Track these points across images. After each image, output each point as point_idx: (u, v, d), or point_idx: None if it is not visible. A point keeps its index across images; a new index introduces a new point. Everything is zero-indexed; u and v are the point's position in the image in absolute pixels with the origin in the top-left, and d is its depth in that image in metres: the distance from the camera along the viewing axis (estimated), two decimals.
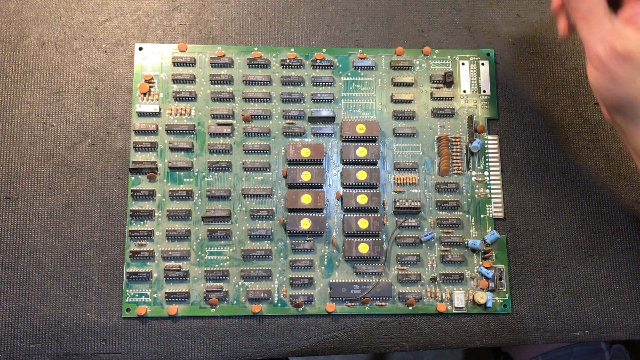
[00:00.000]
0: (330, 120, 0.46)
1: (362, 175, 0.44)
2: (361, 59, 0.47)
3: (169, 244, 0.44)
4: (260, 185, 0.45)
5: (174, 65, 0.46)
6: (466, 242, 0.45)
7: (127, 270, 0.43)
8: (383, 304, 0.44)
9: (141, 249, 0.43)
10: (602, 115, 0.45)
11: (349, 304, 0.43)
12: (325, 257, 0.44)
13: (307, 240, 0.44)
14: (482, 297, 0.44)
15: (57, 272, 0.43)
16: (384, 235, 0.45)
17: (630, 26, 0.35)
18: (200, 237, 0.44)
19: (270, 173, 0.45)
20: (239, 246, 0.44)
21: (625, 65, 0.34)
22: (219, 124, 0.46)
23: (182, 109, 0.46)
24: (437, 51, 0.48)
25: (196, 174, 0.45)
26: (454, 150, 0.46)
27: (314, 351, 0.43)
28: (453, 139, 0.46)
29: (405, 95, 0.47)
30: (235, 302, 0.43)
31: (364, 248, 0.43)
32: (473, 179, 0.46)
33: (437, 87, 0.47)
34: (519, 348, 0.64)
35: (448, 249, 0.45)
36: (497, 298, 0.44)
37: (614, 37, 0.35)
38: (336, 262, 0.44)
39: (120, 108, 0.46)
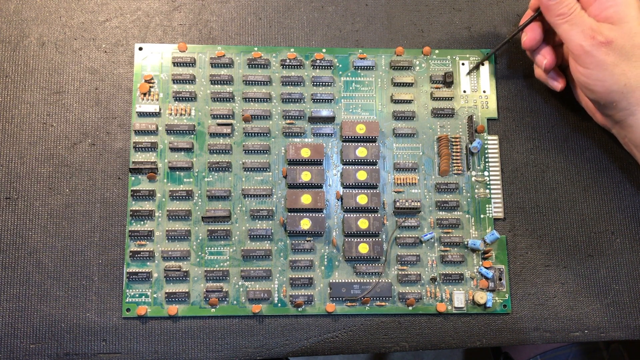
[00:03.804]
0: (330, 120, 0.46)
1: (362, 175, 0.44)
2: (361, 59, 0.47)
3: (169, 244, 0.44)
4: (260, 185, 0.45)
5: (174, 65, 0.46)
6: (466, 242, 0.45)
7: (127, 270, 0.43)
8: (383, 304, 0.44)
9: (141, 249, 0.43)
10: (597, 123, 0.45)
11: (349, 304, 0.43)
12: (325, 257, 0.44)
13: (307, 240, 0.44)
14: (482, 297, 0.44)
15: (57, 272, 0.43)
16: (384, 235, 0.45)
17: (603, 23, 0.39)
18: (200, 237, 0.44)
19: (270, 173, 0.45)
20: (239, 246, 0.44)
21: (609, 52, 0.38)
22: (219, 124, 0.46)
23: (182, 109, 0.46)
24: (437, 51, 0.48)
25: (196, 174, 0.45)
26: (454, 150, 0.46)
27: (314, 351, 0.43)
28: (453, 139, 0.46)
29: (405, 95, 0.47)
30: (235, 302, 0.43)
31: (364, 248, 0.43)
32: (473, 179, 0.46)
33: (437, 87, 0.47)
34: (519, 348, 0.64)
35: (448, 249, 0.45)
36: (496, 298, 0.44)
37: (594, 31, 0.39)
38: (336, 262, 0.44)
39: (120, 108, 0.46)
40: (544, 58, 0.44)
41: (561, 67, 0.46)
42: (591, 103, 0.44)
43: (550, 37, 0.44)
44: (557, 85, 0.45)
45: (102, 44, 0.47)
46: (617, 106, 0.40)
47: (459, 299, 0.44)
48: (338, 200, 0.45)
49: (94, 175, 0.45)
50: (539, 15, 0.43)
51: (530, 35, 0.43)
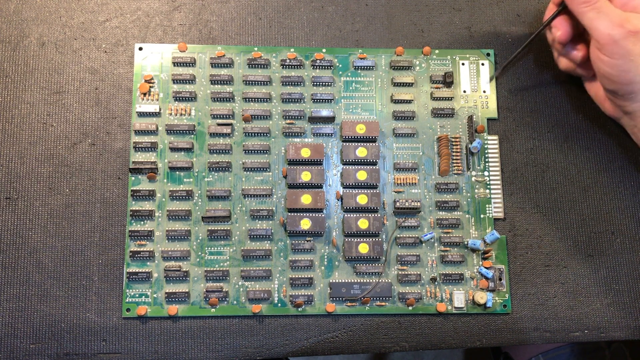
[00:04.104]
0: (330, 120, 0.46)
1: (362, 175, 0.44)
2: (361, 59, 0.47)
3: (169, 244, 0.44)
4: (260, 185, 0.45)
5: (174, 65, 0.46)
6: (466, 242, 0.45)
7: (127, 270, 0.43)
8: (383, 304, 0.44)
9: (141, 249, 0.43)
10: (605, 113, 0.45)
11: (349, 304, 0.43)
12: (325, 257, 0.44)
13: (307, 240, 0.44)
14: (482, 297, 0.44)
15: (57, 272, 0.43)
16: (384, 235, 0.45)
17: (631, 13, 0.38)
18: (200, 237, 0.44)
19: (270, 173, 0.45)
20: (239, 246, 0.44)
21: (637, 42, 0.38)
22: (219, 124, 0.46)
23: (182, 109, 0.46)
24: (437, 51, 0.48)
25: (196, 174, 0.45)
26: (454, 150, 0.46)
27: (314, 351, 0.43)
28: (453, 139, 0.46)
29: (405, 95, 0.47)
30: (235, 302, 0.43)
31: (364, 248, 0.43)
32: (473, 179, 0.46)
33: (437, 87, 0.47)
34: (519, 348, 0.64)
35: (448, 249, 0.45)
36: (497, 298, 0.44)
37: (623, 19, 0.38)
38: (336, 262, 0.44)
39: (120, 108, 0.46)
40: (580, 52, 0.43)
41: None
42: (602, 92, 0.43)
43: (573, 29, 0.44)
44: (587, 73, 0.45)
45: (102, 44, 0.47)
46: (635, 97, 0.39)
47: (459, 299, 0.44)
48: (338, 200, 0.45)
49: (94, 175, 0.45)
50: (563, 9, 0.42)
51: (563, 30, 0.43)
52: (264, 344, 0.43)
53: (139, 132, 0.45)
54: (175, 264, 0.43)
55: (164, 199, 0.44)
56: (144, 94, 0.46)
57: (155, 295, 0.43)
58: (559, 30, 0.43)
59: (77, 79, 0.46)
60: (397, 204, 0.44)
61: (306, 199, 0.44)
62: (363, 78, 0.47)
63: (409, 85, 0.47)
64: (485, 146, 0.47)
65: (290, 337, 0.43)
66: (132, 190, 0.44)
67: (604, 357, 0.58)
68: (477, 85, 0.48)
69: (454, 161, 0.46)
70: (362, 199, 0.44)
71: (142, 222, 0.44)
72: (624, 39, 0.38)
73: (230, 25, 0.48)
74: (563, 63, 0.46)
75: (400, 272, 0.44)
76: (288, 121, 0.46)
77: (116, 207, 0.44)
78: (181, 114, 0.46)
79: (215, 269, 0.43)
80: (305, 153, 0.44)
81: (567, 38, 0.43)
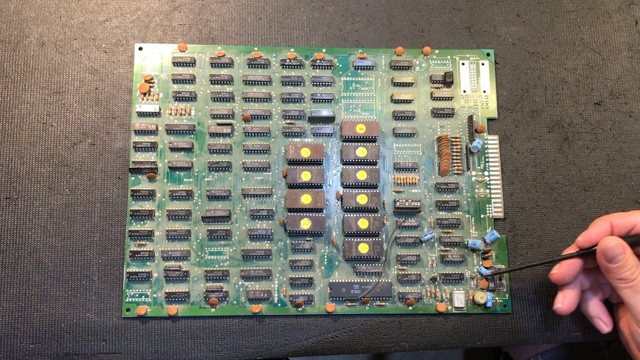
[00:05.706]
0: (330, 120, 0.46)
1: (362, 175, 0.44)
2: (361, 59, 0.47)
3: (169, 244, 0.44)
4: (260, 185, 0.45)
5: (174, 65, 0.46)
6: (466, 242, 0.45)
7: (127, 270, 0.43)
8: (383, 304, 0.44)
9: (141, 249, 0.43)
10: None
11: (349, 304, 0.43)
12: (325, 257, 0.44)
13: (307, 240, 0.44)
14: (482, 297, 0.44)
15: (57, 272, 0.43)
16: (384, 235, 0.45)
17: None
18: (200, 237, 0.44)
19: (270, 173, 0.45)
20: (239, 246, 0.44)
21: None
22: (219, 124, 0.46)
23: (182, 109, 0.46)
24: (437, 51, 0.48)
25: (196, 174, 0.45)
26: (454, 150, 0.46)
27: (314, 351, 0.43)
28: (453, 139, 0.46)
29: (405, 95, 0.47)
30: (235, 302, 0.43)
31: (364, 248, 0.43)
32: (473, 179, 0.46)
33: (437, 87, 0.47)
34: (519, 348, 0.64)
35: (448, 249, 0.45)
36: (497, 298, 0.44)
37: None
38: (336, 262, 0.44)
39: (120, 108, 0.46)
40: (559, 301, 0.40)
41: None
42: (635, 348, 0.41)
43: (591, 274, 0.41)
44: (604, 328, 0.41)
45: (102, 44, 0.47)
46: None
47: (459, 299, 0.44)
48: (338, 200, 0.45)
49: (94, 175, 0.45)
50: (584, 255, 0.40)
51: (564, 271, 0.40)
52: (264, 344, 0.43)
53: (139, 132, 0.45)
54: (175, 264, 0.43)
55: (164, 199, 0.44)
56: (144, 94, 0.46)
57: (155, 295, 0.43)
58: (558, 268, 0.40)
59: (77, 79, 0.46)
60: (397, 203, 0.44)
61: (306, 199, 0.44)
62: (363, 78, 0.47)
63: (409, 85, 0.47)
64: (485, 146, 0.47)
65: (290, 337, 0.43)
66: (132, 190, 0.44)
67: (603, 357, 0.58)
68: (477, 85, 0.48)
69: (454, 161, 0.46)
70: (362, 199, 0.44)
71: (142, 222, 0.44)
72: None
73: (230, 25, 0.48)
74: (581, 305, 0.42)
75: (400, 272, 0.44)
76: (288, 121, 0.46)
77: (116, 207, 0.44)
78: (181, 114, 0.46)
79: (215, 269, 0.43)
80: (305, 153, 0.44)
81: (559, 281, 0.40)
